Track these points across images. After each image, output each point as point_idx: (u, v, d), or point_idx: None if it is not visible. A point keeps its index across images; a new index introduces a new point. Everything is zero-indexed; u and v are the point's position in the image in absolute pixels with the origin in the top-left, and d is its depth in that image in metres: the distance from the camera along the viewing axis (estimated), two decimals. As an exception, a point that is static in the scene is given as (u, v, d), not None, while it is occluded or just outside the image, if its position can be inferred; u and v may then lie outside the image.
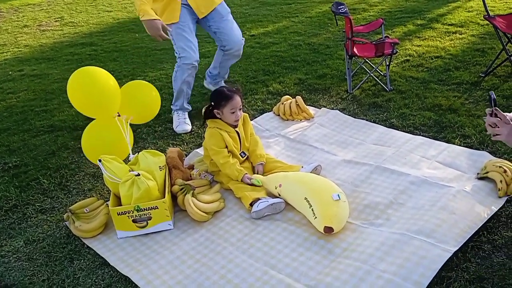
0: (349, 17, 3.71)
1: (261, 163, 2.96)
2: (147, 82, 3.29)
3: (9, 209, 3.01)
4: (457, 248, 2.16)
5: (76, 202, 2.86)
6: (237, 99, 2.83)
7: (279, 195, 2.69)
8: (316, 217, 2.42)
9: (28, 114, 4.41)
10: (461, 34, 4.97)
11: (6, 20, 8.38)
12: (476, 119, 3.33)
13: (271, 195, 2.75)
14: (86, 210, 2.75)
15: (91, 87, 2.90)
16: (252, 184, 2.79)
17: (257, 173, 2.91)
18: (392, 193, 2.64)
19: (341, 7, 3.80)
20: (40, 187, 3.21)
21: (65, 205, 2.98)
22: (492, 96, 2.02)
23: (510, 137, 1.94)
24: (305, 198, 2.51)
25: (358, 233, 2.40)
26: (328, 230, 2.37)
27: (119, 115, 3.08)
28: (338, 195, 2.47)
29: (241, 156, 2.97)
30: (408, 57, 4.59)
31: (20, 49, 6.63)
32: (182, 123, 3.78)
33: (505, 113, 2.02)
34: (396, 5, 6.38)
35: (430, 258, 2.10)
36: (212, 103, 2.84)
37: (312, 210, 2.45)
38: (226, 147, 2.87)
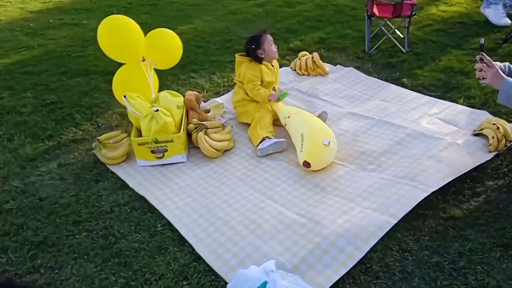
0: (370, -23, 3.81)
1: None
2: (170, 31, 3.52)
3: (45, 138, 3.39)
4: (434, 189, 2.36)
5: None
6: (269, 35, 3.21)
7: (285, 125, 2.99)
8: (302, 151, 2.70)
9: (66, 58, 4.77)
10: (489, 1, 4.93)
11: (50, -28, 8.73)
12: (485, 82, 3.42)
13: (279, 135, 3.00)
14: (112, 141, 3.08)
15: (118, 32, 3.19)
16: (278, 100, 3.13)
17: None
18: (388, 143, 2.84)
19: (364, -33, 3.88)
20: (73, 121, 3.58)
21: (94, 137, 3.33)
22: (481, 42, 2.20)
23: (494, 80, 2.13)
24: (301, 134, 2.78)
25: (350, 175, 2.64)
26: (306, 164, 2.65)
27: (144, 60, 3.36)
28: (330, 142, 2.69)
29: (273, 90, 3.31)
30: (431, 22, 4.63)
31: (61, 0, 6.98)
32: (501, 16, 4.33)
33: (495, 62, 2.17)
34: (429, -30, 6.29)
35: (408, 197, 2.32)
36: (253, 46, 3.15)
37: (302, 144, 2.72)
38: (262, 82, 3.19)
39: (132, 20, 3.28)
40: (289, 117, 2.96)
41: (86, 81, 4.21)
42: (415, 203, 2.27)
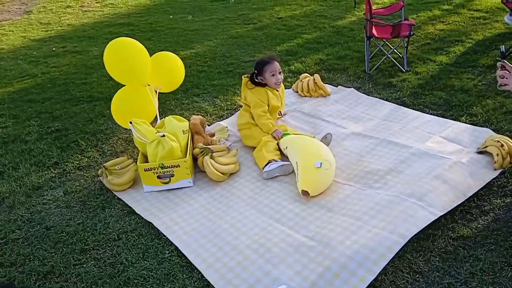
0: (368, -1, 3.88)
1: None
2: (172, 53, 3.56)
3: (51, 166, 3.40)
4: (442, 214, 2.35)
5: (109, 161, 3.21)
6: (276, 64, 3.24)
7: (287, 155, 3.00)
8: (298, 181, 2.71)
9: (70, 85, 4.82)
10: (485, 20, 5.02)
11: (51, 1, 8.89)
12: (486, 99, 3.46)
13: (285, 158, 3.02)
14: (118, 167, 3.09)
15: (127, 55, 3.21)
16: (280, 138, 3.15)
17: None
18: (393, 162, 2.85)
19: (362, -11, 3.97)
20: (79, 148, 3.60)
21: (99, 163, 3.35)
22: (501, 49, 2.22)
23: None
24: (296, 162, 2.79)
25: (356, 194, 2.64)
26: (305, 193, 2.64)
27: (149, 85, 3.40)
28: (321, 163, 2.69)
29: (279, 114, 3.42)
30: (429, 41, 4.70)
31: (63, 28, 7.10)
32: None
33: None
34: (425, -10, 6.41)
35: (417, 218, 2.32)
36: (255, 71, 3.23)
37: (297, 174, 2.73)
38: (268, 106, 3.25)
39: (139, 43, 3.31)
40: (286, 147, 3.00)
41: (91, 108, 4.25)
42: (424, 225, 2.27)
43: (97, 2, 8.46)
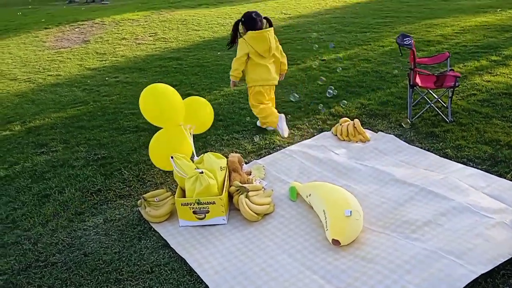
0: (412, 49, 3.89)
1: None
2: (203, 99, 3.81)
3: (94, 192, 3.55)
4: (483, 272, 2.26)
5: (149, 192, 3.32)
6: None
7: (309, 203, 3.02)
8: (327, 229, 2.68)
9: (118, 115, 5.06)
10: (535, 72, 4.90)
11: (108, 32, 9.44)
12: (534, 157, 3.34)
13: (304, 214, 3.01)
14: (156, 199, 3.19)
15: (162, 101, 3.45)
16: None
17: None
18: (432, 213, 2.78)
19: (407, 39, 3.99)
20: (121, 176, 3.74)
21: (140, 193, 3.46)
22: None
23: None
24: (323, 211, 2.78)
25: (392, 243, 2.59)
26: (336, 242, 2.61)
27: (182, 125, 3.56)
28: (351, 211, 2.65)
29: None
30: (475, 91, 4.62)
31: (117, 59, 7.50)
32: None
33: None
34: (473, 40, 6.35)
35: (455, 277, 2.24)
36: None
37: (326, 222, 2.71)
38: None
39: (172, 88, 3.52)
40: (310, 195, 3.01)
41: (136, 138, 4.43)
42: (463, 285, 2.18)
43: (150, 36, 8.90)
